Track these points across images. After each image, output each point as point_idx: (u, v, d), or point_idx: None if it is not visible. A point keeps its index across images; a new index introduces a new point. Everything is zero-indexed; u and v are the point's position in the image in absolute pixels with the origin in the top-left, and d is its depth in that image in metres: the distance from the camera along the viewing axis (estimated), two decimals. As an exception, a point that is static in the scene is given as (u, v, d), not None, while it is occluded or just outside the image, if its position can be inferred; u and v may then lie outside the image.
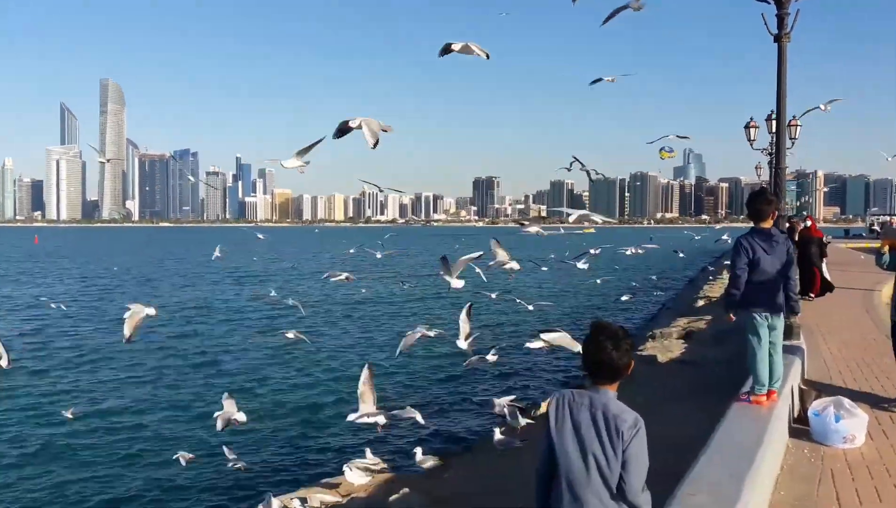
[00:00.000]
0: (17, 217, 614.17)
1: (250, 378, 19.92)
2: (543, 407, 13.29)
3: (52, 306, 29.92)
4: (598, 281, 39.23)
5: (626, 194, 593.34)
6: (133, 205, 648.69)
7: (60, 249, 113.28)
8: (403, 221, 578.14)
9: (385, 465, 11.39)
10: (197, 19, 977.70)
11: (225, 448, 11.25)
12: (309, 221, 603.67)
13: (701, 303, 25.36)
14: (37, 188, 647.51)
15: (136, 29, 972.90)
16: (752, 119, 27.88)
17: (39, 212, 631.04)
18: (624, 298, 32.50)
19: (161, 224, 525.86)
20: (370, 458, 10.87)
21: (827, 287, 18.36)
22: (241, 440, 13.95)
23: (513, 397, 13.23)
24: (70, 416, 14.11)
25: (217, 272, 57.39)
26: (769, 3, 11.18)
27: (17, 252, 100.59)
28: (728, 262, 13.08)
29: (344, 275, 16.45)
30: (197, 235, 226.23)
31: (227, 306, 35.88)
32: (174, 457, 11.34)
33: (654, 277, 39.34)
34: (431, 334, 10.44)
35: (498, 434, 10.90)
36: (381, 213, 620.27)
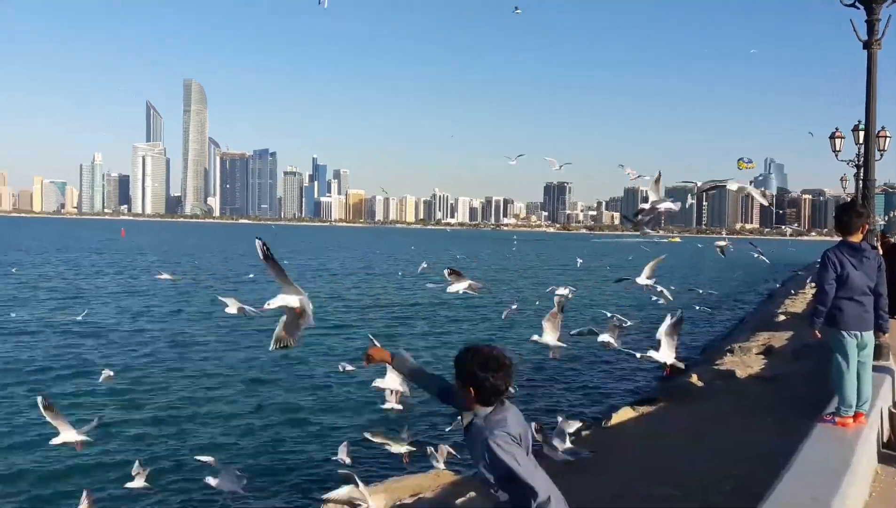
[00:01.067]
0: (105, 210, 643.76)
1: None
2: (614, 419, 13.12)
3: None
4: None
5: (704, 204, 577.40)
6: (214, 201, 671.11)
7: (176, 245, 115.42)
8: (473, 224, 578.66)
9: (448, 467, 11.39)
10: (280, 20, 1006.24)
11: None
12: (381, 221, 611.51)
13: (782, 318, 24.53)
14: (123, 183, 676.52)
15: (220, 30, 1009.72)
16: (837, 129, 26.86)
17: (126, 206, 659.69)
18: (699, 308, 31.86)
19: (241, 221, 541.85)
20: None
21: None
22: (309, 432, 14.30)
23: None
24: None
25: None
26: (858, 8, 10.73)
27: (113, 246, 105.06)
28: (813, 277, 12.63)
29: None
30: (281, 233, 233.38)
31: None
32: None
33: (714, 292, 38.29)
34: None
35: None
36: (452, 216, 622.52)
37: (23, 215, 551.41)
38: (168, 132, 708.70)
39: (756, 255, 19.34)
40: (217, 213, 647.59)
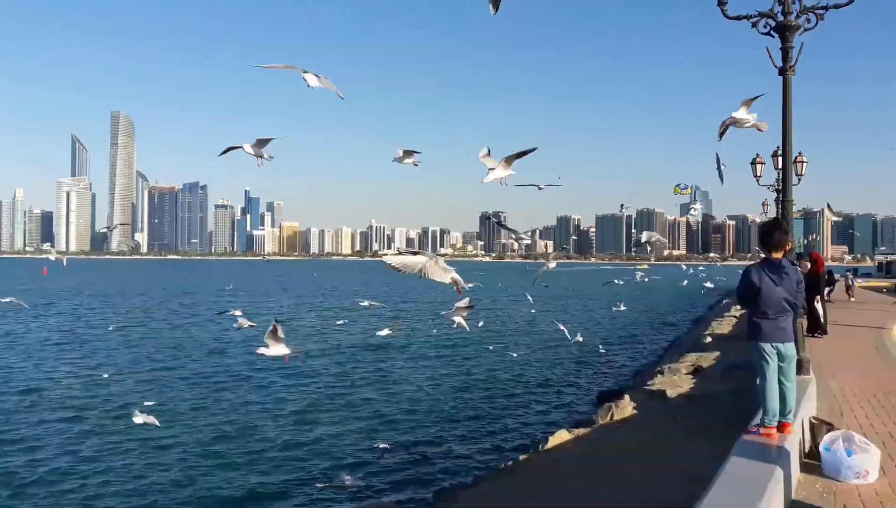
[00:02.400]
0: (27, 248, 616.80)
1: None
2: (551, 442, 13.19)
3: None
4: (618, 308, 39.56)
5: (633, 231, 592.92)
6: (142, 237, 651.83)
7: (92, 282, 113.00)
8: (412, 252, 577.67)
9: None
10: (209, 50, 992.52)
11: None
12: (317, 254, 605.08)
13: (709, 340, 25.25)
14: (46, 219, 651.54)
15: (147, 61, 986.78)
16: (757, 155, 27.97)
17: (49, 243, 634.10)
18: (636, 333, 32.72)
19: (169, 256, 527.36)
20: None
21: (816, 326, 18.07)
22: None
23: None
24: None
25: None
26: (773, 37, 11.27)
27: (35, 282, 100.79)
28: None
29: None
30: (209, 267, 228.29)
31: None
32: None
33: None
34: None
35: None
36: (389, 246, 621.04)
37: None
38: (94, 166, 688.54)
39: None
40: (145, 249, 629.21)
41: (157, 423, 14.32)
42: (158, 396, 20.71)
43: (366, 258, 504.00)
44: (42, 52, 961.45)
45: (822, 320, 18.34)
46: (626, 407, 14.10)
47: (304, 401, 21.07)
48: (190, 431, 17.45)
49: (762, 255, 7.52)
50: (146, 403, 16.89)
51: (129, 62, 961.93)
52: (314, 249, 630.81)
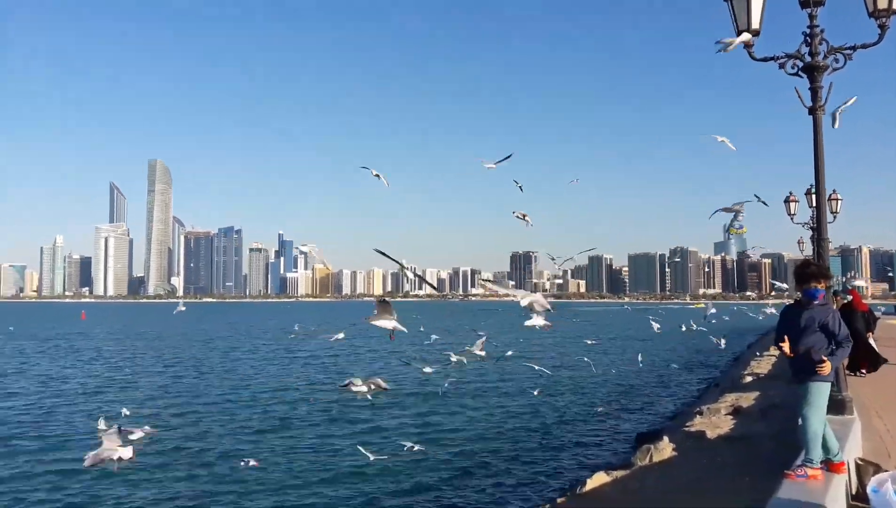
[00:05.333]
0: (66, 293, 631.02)
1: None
2: (589, 485, 13.05)
3: None
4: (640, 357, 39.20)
5: (667, 270, 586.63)
6: (178, 281, 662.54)
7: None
8: (441, 295, 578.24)
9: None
10: (245, 98, 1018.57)
11: None
12: (348, 295, 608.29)
13: (749, 379, 24.80)
14: (85, 265, 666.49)
15: (185, 111, 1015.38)
16: (791, 193, 27.78)
17: (87, 288, 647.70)
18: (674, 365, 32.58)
19: (204, 300, 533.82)
20: None
21: (877, 361, 17.86)
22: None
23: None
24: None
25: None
26: (802, 77, 11.33)
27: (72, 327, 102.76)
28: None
29: None
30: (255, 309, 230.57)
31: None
32: None
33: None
34: None
35: None
36: (420, 287, 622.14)
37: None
38: (132, 212, 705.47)
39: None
40: (181, 292, 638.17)
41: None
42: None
43: (397, 299, 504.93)
44: (80, 104, 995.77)
45: (874, 356, 17.99)
46: (665, 449, 13.90)
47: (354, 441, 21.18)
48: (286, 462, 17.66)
49: (798, 294, 7.52)
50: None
51: (166, 112, 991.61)
52: (346, 290, 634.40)
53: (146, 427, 12.86)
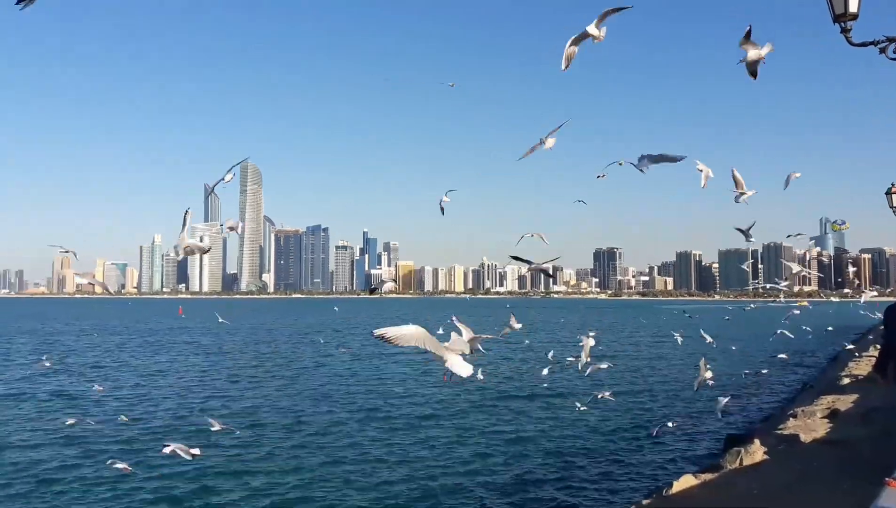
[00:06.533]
0: (164, 289, 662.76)
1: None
2: (676, 487, 12.77)
3: None
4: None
5: (760, 266, 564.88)
6: (269, 277, 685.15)
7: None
8: (522, 292, 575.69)
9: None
10: (333, 103, 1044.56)
11: None
12: (430, 291, 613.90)
13: (846, 381, 23.67)
14: (182, 263, 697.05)
15: (275, 113, 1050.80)
16: (893, 184, 26.21)
17: (184, 284, 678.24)
18: (764, 371, 31.57)
19: (294, 295, 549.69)
20: None
21: None
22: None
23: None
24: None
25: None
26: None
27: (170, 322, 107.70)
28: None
29: None
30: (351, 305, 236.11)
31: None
32: None
33: (783, 355, 37.58)
34: None
35: None
36: (501, 284, 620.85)
37: (86, 296, 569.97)
38: (225, 212, 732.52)
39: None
40: (272, 288, 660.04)
41: None
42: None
43: (478, 296, 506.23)
44: (177, 106, 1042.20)
45: None
46: (756, 452, 13.44)
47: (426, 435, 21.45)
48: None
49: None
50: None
51: (258, 115, 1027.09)
52: (428, 286, 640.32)
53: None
